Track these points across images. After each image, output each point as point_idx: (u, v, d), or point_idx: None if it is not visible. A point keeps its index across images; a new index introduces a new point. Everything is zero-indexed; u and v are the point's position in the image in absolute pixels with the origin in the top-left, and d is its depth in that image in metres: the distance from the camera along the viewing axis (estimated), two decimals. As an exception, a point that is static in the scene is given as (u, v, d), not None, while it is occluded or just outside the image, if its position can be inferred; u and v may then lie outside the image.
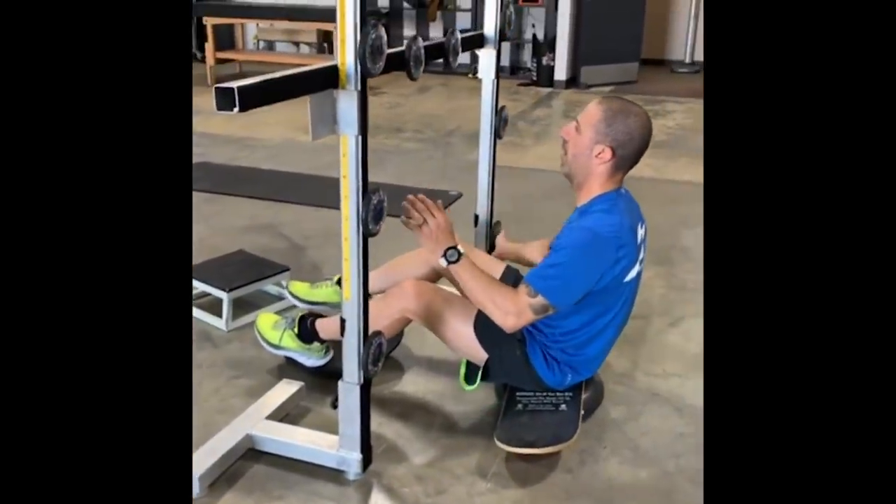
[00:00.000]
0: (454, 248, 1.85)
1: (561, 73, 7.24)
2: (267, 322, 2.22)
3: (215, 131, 5.15)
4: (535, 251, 2.24)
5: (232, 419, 1.95)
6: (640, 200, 1.96)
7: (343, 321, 1.70)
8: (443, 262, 1.86)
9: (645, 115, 1.85)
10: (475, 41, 2.34)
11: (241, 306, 2.61)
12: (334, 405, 1.82)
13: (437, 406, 2.14)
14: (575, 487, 1.82)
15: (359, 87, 1.53)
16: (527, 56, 7.84)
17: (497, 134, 2.45)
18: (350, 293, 1.67)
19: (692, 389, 2.24)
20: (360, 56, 1.50)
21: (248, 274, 2.66)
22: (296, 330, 2.15)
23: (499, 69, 2.39)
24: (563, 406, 1.96)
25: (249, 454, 1.89)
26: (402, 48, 1.76)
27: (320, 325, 2.14)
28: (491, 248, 2.52)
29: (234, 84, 1.29)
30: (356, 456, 1.79)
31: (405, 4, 7.94)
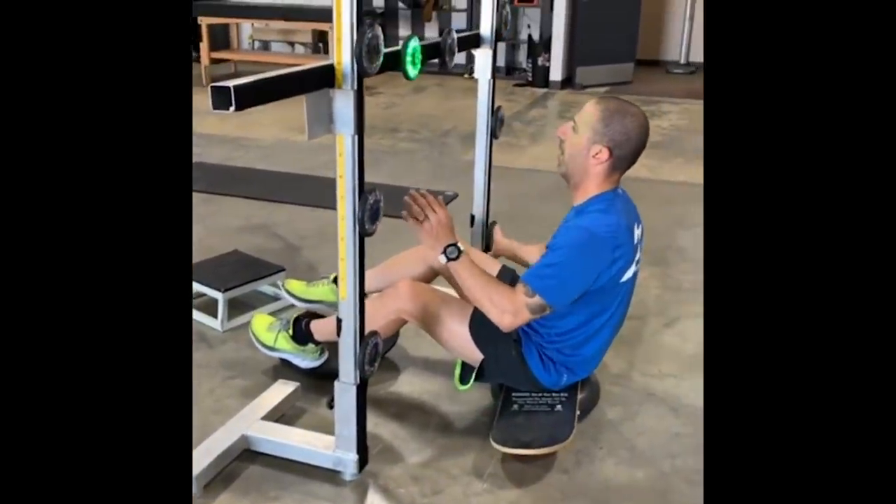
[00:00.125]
0: (454, 244, 1.85)
1: (556, 74, 7.24)
2: (261, 324, 2.21)
3: (210, 131, 5.14)
4: (532, 253, 2.24)
5: (227, 420, 1.95)
6: (635, 200, 1.96)
7: (339, 321, 1.70)
8: (442, 259, 1.85)
9: (642, 116, 1.84)
10: (471, 41, 2.34)
11: (237, 307, 2.61)
12: (330, 405, 1.81)
13: (433, 406, 2.14)
14: (571, 488, 1.82)
15: (355, 87, 1.52)
16: (522, 56, 7.84)
17: (493, 134, 2.45)
18: (346, 293, 1.67)
19: (688, 390, 2.24)
20: (357, 55, 1.49)
21: (243, 274, 2.66)
22: (290, 331, 2.14)
23: (495, 69, 2.39)
24: (559, 406, 1.96)
25: (245, 455, 1.89)
26: (398, 47, 1.76)
27: (315, 326, 2.13)
28: (487, 248, 2.52)
29: (231, 83, 1.29)
30: (352, 456, 1.79)
31: (400, 4, 7.94)
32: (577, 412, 1.97)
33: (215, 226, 3.45)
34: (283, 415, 2.04)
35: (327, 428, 1.85)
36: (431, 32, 7.83)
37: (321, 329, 2.12)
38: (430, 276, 2.28)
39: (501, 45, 7.85)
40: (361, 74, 1.52)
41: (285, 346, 2.15)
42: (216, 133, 5.13)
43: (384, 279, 2.28)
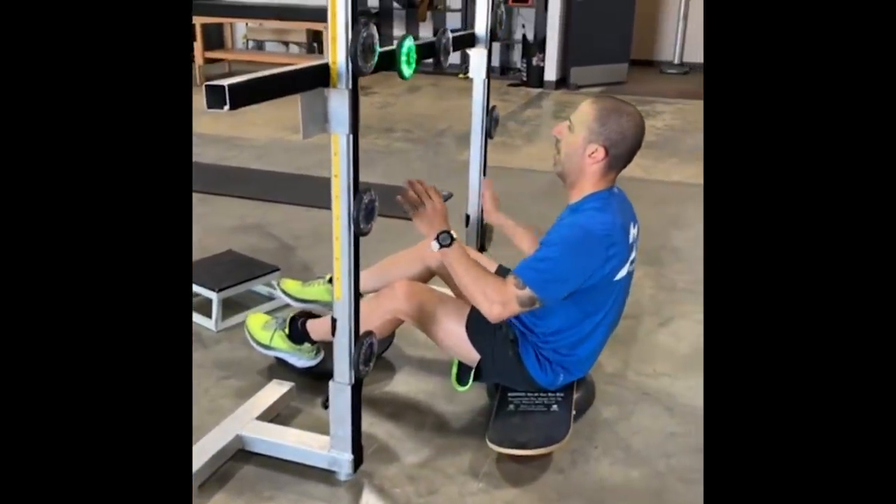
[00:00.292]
0: (447, 232, 1.85)
1: (551, 74, 7.25)
2: (257, 322, 2.21)
3: (203, 131, 5.12)
4: (522, 237, 2.23)
5: (222, 420, 1.94)
6: (629, 201, 1.96)
7: (334, 321, 1.69)
8: (435, 246, 1.85)
9: (638, 115, 1.85)
10: (466, 41, 2.34)
11: (231, 306, 2.60)
12: (325, 405, 1.81)
13: (429, 406, 2.14)
14: (566, 487, 1.82)
15: (350, 86, 1.52)
16: (517, 57, 7.85)
17: (488, 134, 2.45)
18: (341, 292, 1.66)
19: (683, 389, 2.25)
20: (352, 54, 1.49)
21: (237, 274, 2.65)
22: (286, 330, 2.14)
23: (490, 69, 2.39)
24: (555, 406, 1.96)
25: (240, 455, 1.88)
26: (393, 47, 1.76)
27: (311, 325, 2.13)
28: (482, 248, 2.52)
29: (225, 82, 1.28)
30: (347, 456, 1.79)
31: (395, 4, 7.93)
32: (573, 412, 1.97)
33: (210, 226, 3.44)
34: (277, 415, 2.03)
35: (322, 428, 1.84)
36: (426, 32, 7.82)
37: (317, 328, 2.11)
38: (427, 275, 2.28)
39: (496, 45, 7.85)
40: (356, 74, 1.52)
41: (281, 345, 2.15)
42: (209, 132, 5.12)
43: (380, 279, 2.27)
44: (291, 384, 2.10)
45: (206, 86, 1.29)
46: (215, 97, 1.30)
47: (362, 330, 1.73)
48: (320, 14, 1.51)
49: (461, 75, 7.17)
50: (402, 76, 1.80)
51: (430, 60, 2.13)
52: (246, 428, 1.90)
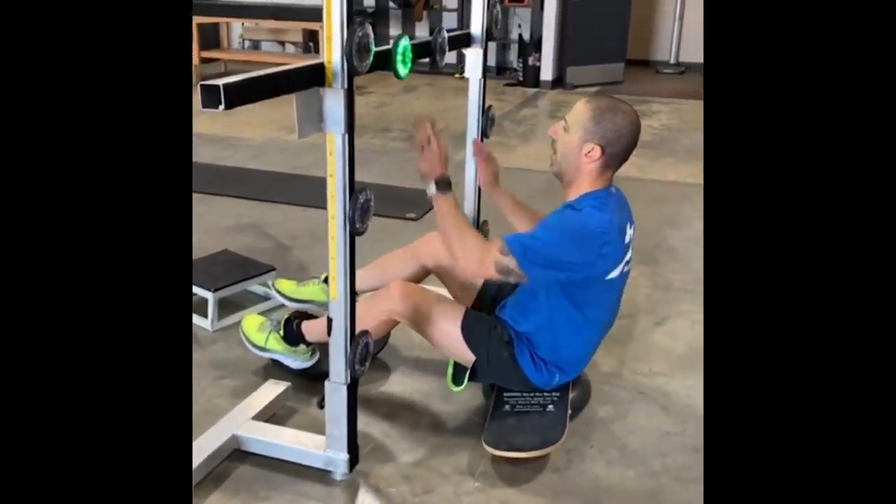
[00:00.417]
0: (447, 179, 1.87)
1: (547, 74, 7.25)
2: (252, 324, 2.20)
3: (199, 130, 5.11)
4: (522, 220, 2.18)
5: (218, 420, 1.94)
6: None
7: (330, 320, 1.69)
8: (432, 188, 1.86)
9: (633, 113, 1.85)
10: (462, 40, 2.34)
11: (227, 306, 2.60)
12: (321, 405, 1.81)
13: (425, 406, 2.14)
14: (562, 487, 1.82)
15: (345, 86, 1.52)
16: (513, 56, 7.85)
17: (484, 133, 2.45)
18: (337, 292, 1.66)
19: (678, 388, 2.25)
20: (347, 54, 1.49)
21: (233, 274, 2.65)
22: (281, 332, 2.14)
23: (485, 68, 2.39)
24: (551, 406, 1.96)
25: (235, 455, 1.88)
26: (389, 46, 1.76)
27: (306, 327, 2.12)
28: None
29: (220, 81, 1.28)
30: (343, 456, 1.78)
31: (391, 4, 7.92)
32: (569, 411, 1.97)
33: (205, 225, 3.43)
34: (273, 414, 2.03)
35: (318, 428, 1.84)
36: (422, 32, 7.82)
37: (312, 330, 2.11)
38: (423, 274, 2.28)
39: (492, 45, 7.82)
40: (352, 73, 1.52)
41: (276, 347, 2.14)
42: (205, 132, 5.11)
43: (376, 278, 2.27)
44: (287, 384, 2.09)
45: (201, 85, 1.29)
46: (210, 97, 1.29)
47: (358, 330, 1.73)
48: (316, 14, 1.50)
49: (457, 75, 7.16)
50: (397, 76, 1.80)
51: (427, 60, 2.13)
52: (242, 428, 1.90)
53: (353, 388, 1.74)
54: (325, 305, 2.14)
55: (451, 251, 1.86)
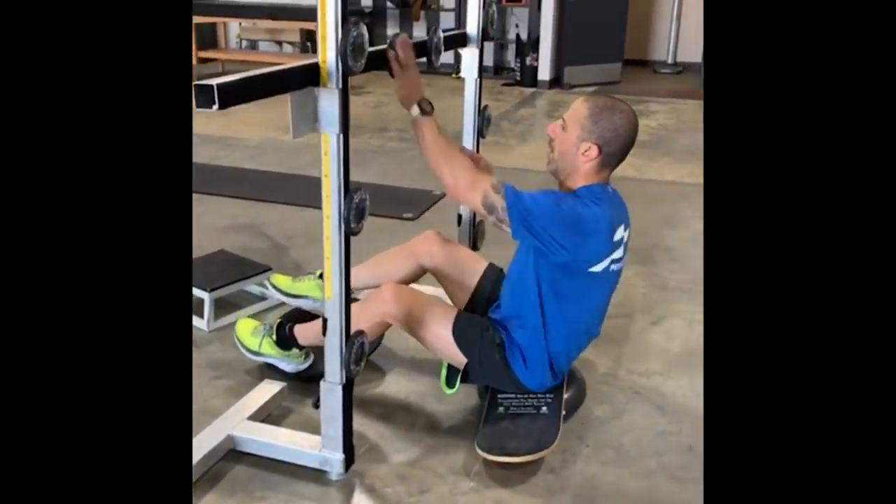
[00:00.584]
0: (427, 100, 1.84)
1: (544, 74, 7.25)
2: (246, 328, 2.20)
3: (196, 130, 5.10)
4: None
5: (213, 420, 1.93)
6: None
7: (325, 320, 1.69)
8: (416, 110, 1.82)
9: (631, 113, 1.85)
10: (458, 40, 2.34)
11: (223, 306, 2.59)
12: (316, 405, 1.81)
13: (420, 406, 2.14)
14: (557, 486, 1.82)
15: (340, 85, 1.52)
16: (510, 56, 7.85)
17: (480, 133, 2.45)
18: (332, 292, 1.66)
19: (674, 388, 2.25)
20: (342, 53, 1.49)
21: (229, 274, 2.64)
22: (274, 336, 2.13)
23: (482, 68, 2.39)
24: (545, 409, 1.96)
25: (231, 455, 1.88)
26: (384, 46, 1.76)
27: (298, 331, 2.12)
28: (475, 247, 2.52)
29: (214, 81, 1.28)
30: (338, 456, 1.78)
31: (388, 4, 7.93)
32: (563, 412, 1.97)
33: (202, 225, 3.43)
34: (269, 414, 2.03)
35: (313, 428, 1.84)
36: (420, 32, 7.82)
37: (304, 333, 2.11)
38: (419, 273, 2.28)
39: (490, 45, 7.85)
40: (346, 73, 1.52)
41: (269, 351, 2.14)
42: (202, 132, 5.11)
43: (373, 276, 2.27)
44: (283, 384, 2.09)
45: (196, 85, 1.29)
46: (204, 97, 1.29)
47: (352, 330, 1.73)
48: (314, 13, 1.50)
49: (454, 75, 7.16)
50: (392, 75, 1.80)
51: (423, 60, 2.12)
52: (237, 428, 1.90)
53: (348, 388, 1.74)
54: (319, 301, 2.14)
55: (439, 174, 1.82)
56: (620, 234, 1.87)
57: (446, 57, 2.18)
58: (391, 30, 7.88)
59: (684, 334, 2.57)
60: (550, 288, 1.86)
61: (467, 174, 1.80)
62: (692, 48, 8.12)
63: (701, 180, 4.03)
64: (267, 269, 2.69)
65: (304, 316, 2.24)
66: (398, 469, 1.86)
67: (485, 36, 2.35)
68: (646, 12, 8.40)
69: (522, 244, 1.90)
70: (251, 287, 2.72)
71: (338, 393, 1.73)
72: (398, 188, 3.92)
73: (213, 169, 4.40)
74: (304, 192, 3.86)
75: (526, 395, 1.99)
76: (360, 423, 1.99)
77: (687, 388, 2.25)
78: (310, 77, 1.51)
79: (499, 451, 1.84)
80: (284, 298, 2.36)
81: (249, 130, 5.22)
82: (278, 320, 2.19)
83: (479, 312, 2.10)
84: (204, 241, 3.13)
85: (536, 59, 7.22)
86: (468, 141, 2.43)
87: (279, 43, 8.44)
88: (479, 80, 2.38)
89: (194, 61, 6.96)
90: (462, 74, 2.40)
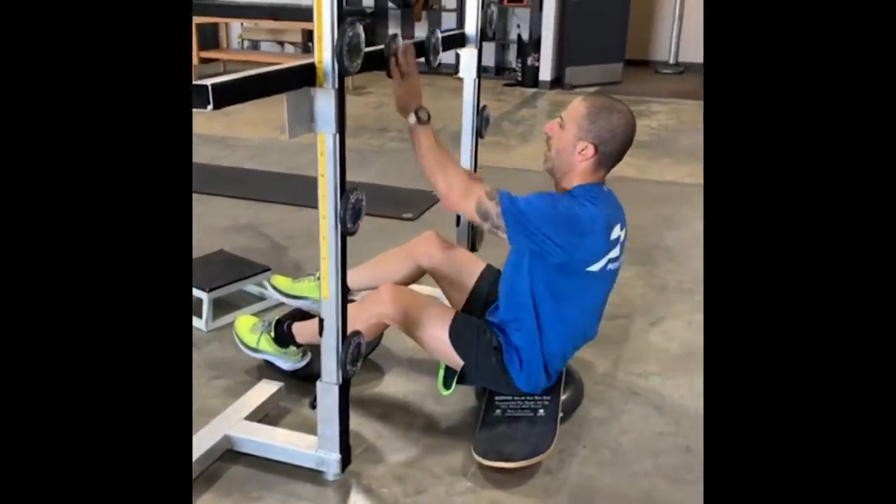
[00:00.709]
0: (425, 109, 1.85)
1: (546, 74, 7.25)
2: (245, 325, 2.21)
3: (197, 130, 5.11)
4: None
5: (211, 419, 1.94)
6: (622, 200, 1.94)
7: (321, 320, 1.69)
8: (412, 119, 1.83)
9: (629, 113, 1.85)
10: (457, 40, 2.34)
11: (222, 306, 2.60)
12: (313, 405, 1.81)
13: (418, 406, 2.14)
14: (554, 487, 1.82)
15: (336, 86, 1.52)
16: (512, 56, 7.85)
17: (479, 133, 2.45)
18: (328, 292, 1.66)
19: (672, 389, 2.25)
20: (338, 53, 1.49)
21: (228, 274, 2.65)
22: (272, 333, 2.14)
23: (480, 68, 2.39)
24: (542, 411, 1.95)
25: (228, 455, 1.88)
26: (381, 47, 1.76)
27: (297, 329, 2.12)
28: (473, 248, 2.52)
29: (209, 81, 1.28)
30: (335, 456, 1.78)
31: (390, 4, 7.93)
32: (560, 414, 1.96)
33: (202, 225, 3.43)
34: (266, 414, 2.03)
35: (311, 428, 1.84)
36: (422, 32, 7.81)
37: (303, 332, 2.11)
38: (418, 274, 2.28)
39: (491, 45, 7.84)
40: (342, 73, 1.52)
41: (268, 348, 2.14)
42: (203, 132, 5.11)
43: (372, 277, 2.28)
44: (280, 384, 2.09)
45: (191, 85, 1.29)
46: (199, 97, 1.29)
47: (349, 330, 1.73)
48: (315, 13, 1.50)
49: (455, 75, 7.15)
50: (390, 76, 1.80)
51: (422, 60, 2.12)
52: (234, 428, 1.90)
53: (344, 388, 1.74)
54: (318, 302, 2.14)
55: (433, 181, 1.84)
56: (617, 232, 1.87)
57: (448, 57, 2.18)
58: (392, 30, 7.88)
59: (683, 335, 2.57)
60: (547, 288, 1.86)
61: (461, 182, 1.81)
62: (694, 48, 8.12)
63: (701, 181, 4.02)
64: (266, 270, 2.70)
65: (304, 314, 2.24)
66: (395, 469, 1.86)
67: (483, 36, 2.35)
68: (647, 12, 8.39)
69: (518, 248, 1.89)
70: (250, 287, 2.72)
71: (334, 393, 1.73)
72: (398, 188, 3.92)
73: (213, 169, 4.40)
74: (303, 192, 3.85)
75: (523, 398, 1.99)
76: (357, 422, 1.99)
77: (685, 389, 2.24)
78: (306, 77, 1.51)
79: (495, 456, 1.83)
80: (284, 300, 2.37)
81: (250, 130, 5.22)
82: (277, 317, 2.19)
83: (476, 313, 2.10)
84: (204, 241, 3.13)
85: (538, 60, 7.21)
86: (467, 141, 2.43)
87: (281, 43, 8.44)
88: (477, 80, 2.38)
89: (196, 61, 6.97)
90: (461, 75, 2.40)
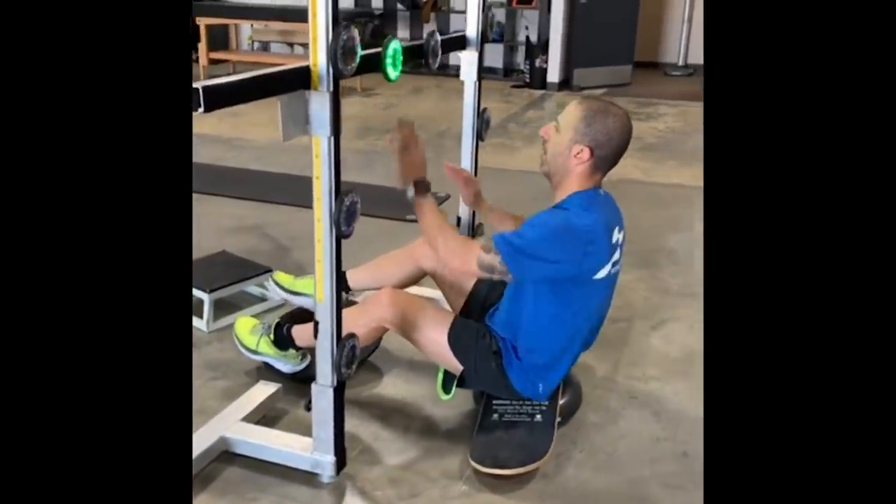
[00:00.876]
0: (426, 182, 1.91)
1: (554, 75, 7.24)
2: (245, 327, 2.21)
3: (204, 131, 5.13)
4: (505, 223, 2.15)
5: (209, 420, 1.94)
6: (627, 202, 1.93)
7: (316, 323, 1.69)
8: (410, 192, 1.89)
9: (625, 116, 1.84)
10: (457, 43, 2.33)
11: (223, 307, 2.60)
12: (308, 408, 1.81)
13: (416, 409, 2.14)
14: (549, 491, 1.82)
15: (331, 88, 1.52)
16: (520, 58, 7.84)
17: (479, 136, 2.45)
18: (323, 295, 1.66)
19: (671, 394, 2.24)
20: (332, 56, 1.49)
21: (230, 275, 2.66)
22: (272, 336, 2.14)
23: (481, 71, 2.39)
24: (539, 416, 1.94)
25: (224, 457, 1.88)
26: (378, 49, 1.76)
27: (296, 331, 2.13)
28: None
29: (199, 83, 1.28)
30: (329, 458, 1.78)
31: (399, 6, 7.94)
32: (558, 419, 1.96)
33: (206, 226, 3.44)
34: (264, 416, 2.03)
35: (307, 430, 1.84)
36: (430, 34, 7.81)
37: (302, 335, 2.11)
38: (419, 275, 2.29)
39: (499, 47, 7.84)
40: (337, 76, 1.52)
41: (267, 351, 2.15)
42: (210, 133, 5.13)
43: (373, 278, 2.28)
44: (278, 385, 2.10)
45: (190, 87, 1.29)
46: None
47: (345, 334, 1.73)
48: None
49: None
50: (387, 78, 1.80)
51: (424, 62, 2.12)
52: (230, 429, 1.90)
53: (339, 390, 1.74)
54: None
55: (435, 252, 1.90)
56: (616, 236, 1.86)
57: (457, 58, 2.18)
58: (401, 32, 7.89)
59: (684, 339, 2.55)
60: (553, 298, 1.85)
61: (459, 250, 1.84)
62: (703, 50, 8.08)
63: (707, 184, 4.00)
64: (267, 271, 2.70)
65: (304, 317, 2.24)
66: (390, 472, 1.86)
67: (484, 38, 2.35)
68: (656, 14, 8.36)
69: (533, 280, 1.87)
70: (251, 288, 2.73)
71: (329, 395, 1.73)
72: (399, 189, 3.92)
73: (220, 170, 4.42)
74: (309, 193, 3.84)
75: (521, 402, 1.98)
76: (355, 424, 1.99)
77: (684, 394, 2.23)
78: (300, 80, 1.51)
79: (490, 463, 1.83)
80: (286, 296, 2.37)
81: (257, 131, 5.23)
82: (277, 320, 2.19)
83: (474, 316, 2.09)
84: (209, 242, 3.14)
85: (546, 61, 7.20)
86: (467, 144, 2.43)
87: (291, 45, 8.47)
88: (478, 82, 2.38)
89: (205, 62, 7.00)
90: (461, 77, 2.40)
